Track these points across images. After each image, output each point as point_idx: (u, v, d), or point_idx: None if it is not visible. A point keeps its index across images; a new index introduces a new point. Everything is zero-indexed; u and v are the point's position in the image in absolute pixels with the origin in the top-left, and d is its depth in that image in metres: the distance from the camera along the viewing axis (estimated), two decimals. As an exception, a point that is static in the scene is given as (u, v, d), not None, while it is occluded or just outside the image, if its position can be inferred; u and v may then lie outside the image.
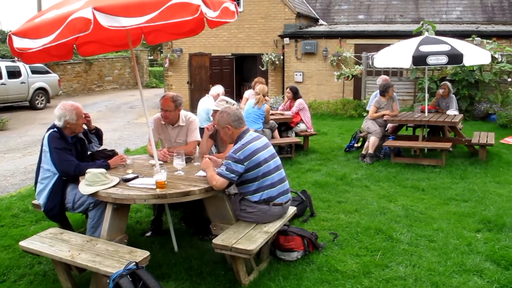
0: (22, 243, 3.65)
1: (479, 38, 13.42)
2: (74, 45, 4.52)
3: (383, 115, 8.39)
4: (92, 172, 3.82)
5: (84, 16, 3.10)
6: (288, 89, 9.51)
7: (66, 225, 4.45)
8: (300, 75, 16.76)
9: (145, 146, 8.17)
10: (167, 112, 4.84)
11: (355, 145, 9.16)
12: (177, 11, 3.28)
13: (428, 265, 4.05)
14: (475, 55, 7.94)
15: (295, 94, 9.22)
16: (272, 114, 8.55)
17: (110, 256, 3.34)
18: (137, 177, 4.02)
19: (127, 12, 3.18)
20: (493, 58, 11.63)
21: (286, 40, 16.82)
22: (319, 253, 4.32)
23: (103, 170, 3.89)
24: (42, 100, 18.68)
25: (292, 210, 4.33)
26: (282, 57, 17.15)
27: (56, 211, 4.20)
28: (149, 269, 3.41)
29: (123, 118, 15.88)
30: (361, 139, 9.09)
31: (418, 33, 11.13)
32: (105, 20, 3.11)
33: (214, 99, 7.30)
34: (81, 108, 4.34)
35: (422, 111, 8.72)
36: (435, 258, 4.20)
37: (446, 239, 4.64)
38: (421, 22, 12.76)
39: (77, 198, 4.12)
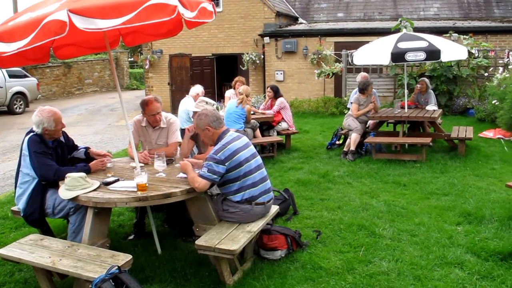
0: (1, 251, 3.58)
1: (456, 34, 13.61)
2: (51, 48, 4.45)
3: (367, 111, 8.47)
4: (72, 177, 3.77)
5: (59, 19, 3.05)
6: (269, 88, 9.53)
7: (46, 230, 4.40)
8: (281, 74, 16.79)
9: (126, 148, 8.11)
10: (158, 114, 4.82)
11: (337, 142, 9.21)
12: (154, 12, 3.25)
13: (411, 259, 4.10)
14: (452, 51, 8.06)
15: (276, 93, 9.24)
16: (253, 114, 8.56)
17: (92, 261, 3.30)
18: (117, 180, 3.98)
19: (103, 14, 3.14)
20: (470, 53, 11.85)
21: (266, 39, 16.84)
22: (302, 251, 4.33)
23: (83, 174, 3.84)
24: (21, 105, 18.38)
25: (274, 209, 4.34)
26: (262, 56, 17.17)
27: (36, 216, 4.14)
28: (132, 273, 3.39)
29: (104, 121, 15.73)
30: (342, 136, 9.14)
31: (397, 30, 11.25)
32: (80, 22, 3.08)
33: (194, 99, 7.28)
34: (59, 114, 4.28)
35: (402, 107, 8.82)
36: (417, 252, 4.25)
37: (427, 233, 4.70)
38: (399, 19, 12.90)
39: (57, 203, 4.07)
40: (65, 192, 3.74)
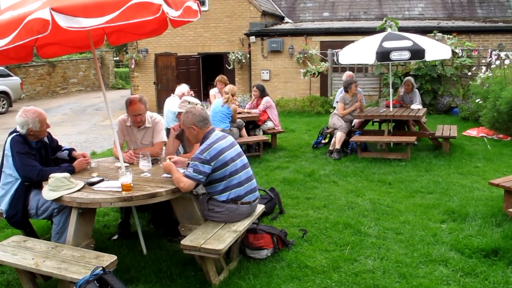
0: (-16, 253, 3.54)
1: (440, 34, 13.75)
2: (34, 47, 4.40)
3: (353, 110, 8.52)
4: (56, 177, 3.73)
5: (41, 17, 3.01)
6: (254, 87, 9.53)
7: (30, 232, 4.34)
8: (267, 73, 16.80)
9: (111, 148, 8.05)
10: (140, 116, 4.78)
11: (323, 141, 9.25)
12: (138, 11, 3.22)
13: (396, 257, 4.13)
14: (437, 50, 8.13)
15: (262, 92, 9.24)
16: (239, 113, 8.55)
17: (76, 262, 3.27)
18: (102, 180, 3.95)
19: (86, 12, 3.11)
20: (453, 53, 11.98)
21: (252, 38, 16.82)
22: (288, 250, 4.34)
23: (67, 175, 3.81)
24: (4, 104, 18.14)
25: (260, 208, 4.34)
26: (248, 55, 17.15)
27: (19, 218, 4.09)
28: (117, 274, 3.36)
29: (89, 121, 15.58)
30: (328, 135, 9.18)
31: (382, 30, 11.32)
32: (63, 21, 3.04)
33: (180, 98, 7.25)
34: (44, 115, 4.23)
35: (387, 106, 8.88)
36: (402, 250, 4.29)
37: (412, 231, 4.74)
38: (384, 19, 12.99)
39: (40, 204, 4.02)
40: (48, 192, 3.70)
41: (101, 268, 3.04)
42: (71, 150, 4.65)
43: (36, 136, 4.20)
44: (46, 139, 4.42)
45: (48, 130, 4.39)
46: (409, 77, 9.91)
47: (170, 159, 4.07)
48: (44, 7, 3.05)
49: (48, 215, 4.07)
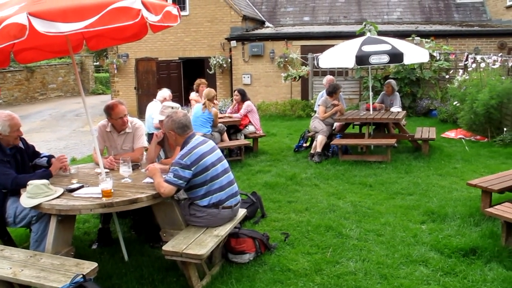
0: (-40, 263, 3.46)
1: (419, 38, 13.97)
2: (11, 52, 4.34)
3: (334, 113, 8.58)
4: (34, 184, 3.68)
5: (18, 22, 2.97)
6: (236, 91, 9.54)
7: (7, 240, 4.27)
8: (248, 77, 16.82)
9: (91, 154, 7.97)
10: (125, 117, 4.76)
11: (304, 144, 9.29)
12: (117, 16, 3.21)
13: (377, 259, 4.17)
14: (415, 54, 8.25)
15: (243, 97, 9.25)
16: (220, 117, 8.54)
17: (55, 270, 3.22)
18: (82, 186, 3.91)
19: (64, 17, 3.08)
20: (431, 56, 12.16)
21: (233, 43, 16.84)
22: (271, 254, 4.35)
23: (45, 181, 3.75)
24: (-20, 111, 17.80)
25: (242, 212, 4.34)
26: (229, 60, 17.16)
27: (-4, 226, 4.02)
28: (98, 281, 3.33)
29: (69, 127, 15.40)
30: (309, 138, 9.22)
31: (361, 34, 11.44)
32: (41, 26, 3.00)
33: (161, 103, 7.22)
34: (17, 120, 4.16)
35: (367, 109, 8.97)
36: (384, 251, 4.33)
37: (393, 232, 4.80)
38: (364, 23, 13.13)
39: (18, 212, 3.96)
40: (27, 200, 3.65)
41: (81, 276, 3.01)
42: (50, 157, 4.59)
43: (7, 142, 4.12)
44: (21, 145, 4.35)
45: (26, 136, 4.32)
46: (391, 80, 10.03)
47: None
48: (21, 12, 3.01)
49: (26, 223, 4.00)
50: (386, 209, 5.53)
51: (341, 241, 4.62)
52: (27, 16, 2.96)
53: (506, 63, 10.44)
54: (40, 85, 25.62)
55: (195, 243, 3.62)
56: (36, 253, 3.59)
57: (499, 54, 11.27)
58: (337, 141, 8.26)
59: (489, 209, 4.45)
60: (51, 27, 3.03)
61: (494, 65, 10.36)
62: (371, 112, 8.80)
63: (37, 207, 3.61)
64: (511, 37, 14.85)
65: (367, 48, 7.95)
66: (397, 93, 9.72)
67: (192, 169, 3.78)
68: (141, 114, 16.02)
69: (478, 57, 11.23)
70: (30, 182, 3.72)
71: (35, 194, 3.63)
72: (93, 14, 3.11)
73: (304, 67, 15.05)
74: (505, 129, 9.20)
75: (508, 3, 16.31)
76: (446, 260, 4.10)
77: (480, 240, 4.41)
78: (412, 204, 5.66)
